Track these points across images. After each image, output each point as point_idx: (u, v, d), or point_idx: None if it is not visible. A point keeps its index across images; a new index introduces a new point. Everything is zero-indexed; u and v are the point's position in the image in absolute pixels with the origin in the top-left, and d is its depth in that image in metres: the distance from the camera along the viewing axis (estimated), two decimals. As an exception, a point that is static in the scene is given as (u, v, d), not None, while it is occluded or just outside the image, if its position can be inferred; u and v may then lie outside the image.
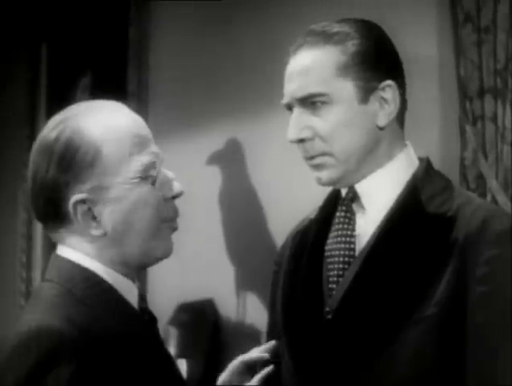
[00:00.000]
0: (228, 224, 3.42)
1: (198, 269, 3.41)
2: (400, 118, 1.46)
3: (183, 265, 3.46)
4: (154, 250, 1.34)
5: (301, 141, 1.42)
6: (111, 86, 3.66)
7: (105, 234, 1.29)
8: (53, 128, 1.31)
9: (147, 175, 1.32)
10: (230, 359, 1.52)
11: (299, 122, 1.42)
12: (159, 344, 1.38)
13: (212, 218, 3.43)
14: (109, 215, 1.29)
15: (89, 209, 1.28)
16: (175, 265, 3.49)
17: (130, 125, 1.33)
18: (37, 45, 4.14)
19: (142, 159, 1.31)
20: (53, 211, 1.29)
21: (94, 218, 1.29)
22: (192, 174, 3.48)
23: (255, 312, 3.21)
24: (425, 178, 1.44)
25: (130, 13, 3.73)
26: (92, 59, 3.89)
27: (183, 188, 1.36)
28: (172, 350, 3.27)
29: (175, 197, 1.36)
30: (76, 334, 1.19)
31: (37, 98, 4.11)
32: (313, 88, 1.40)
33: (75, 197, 1.27)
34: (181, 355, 3.27)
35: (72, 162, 1.27)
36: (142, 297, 1.37)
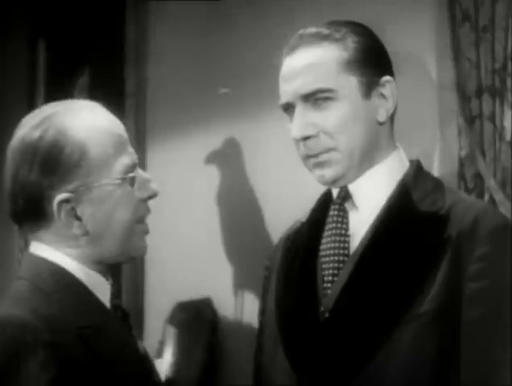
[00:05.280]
0: (226, 223, 3.42)
1: (196, 268, 3.41)
2: (392, 118, 1.48)
3: (181, 264, 3.46)
4: (130, 250, 1.36)
5: (306, 138, 1.42)
6: (109, 85, 3.66)
7: (86, 233, 1.31)
8: (34, 127, 1.30)
9: (128, 176, 1.33)
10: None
11: (303, 119, 1.42)
12: (130, 340, 1.38)
13: (210, 217, 3.43)
14: (91, 214, 1.31)
15: (73, 208, 1.30)
16: (172, 264, 3.49)
17: (111, 126, 1.35)
18: (34, 45, 4.14)
19: (124, 160, 1.33)
20: (34, 210, 1.30)
21: (77, 217, 1.30)
22: (190, 173, 3.48)
23: (253, 311, 3.20)
24: (416, 178, 1.46)
25: (127, 12, 3.73)
26: (89, 59, 3.88)
27: (159, 189, 1.38)
28: (170, 348, 3.27)
29: (150, 198, 1.37)
30: (39, 324, 1.20)
31: (35, 98, 4.10)
32: (320, 84, 1.41)
33: (60, 196, 1.28)
34: (179, 353, 3.27)
35: (57, 161, 1.28)
36: (116, 295, 1.38)
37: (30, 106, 4.07)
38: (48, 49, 4.11)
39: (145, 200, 1.37)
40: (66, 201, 1.29)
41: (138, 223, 1.36)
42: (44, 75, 4.13)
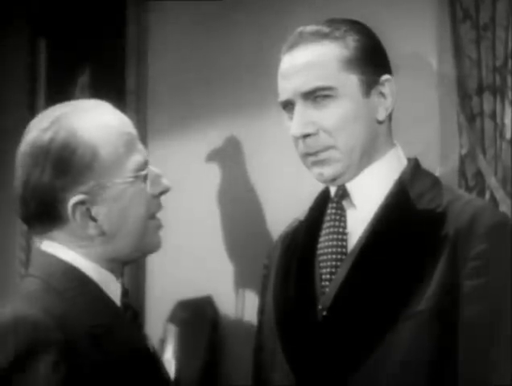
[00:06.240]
0: (227, 221, 3.42)
1: (197, 266, 3.41)
2: (390, 116, 1.48)
3: (181, 262, 3.46)
4: (144, 246, 1.37)
5: (305, 136, 1.42)
6: (110, 84, 3.66)
7: (102, 233, 1.30)
8: (44, 129, 1.30)
9: (140, 174, 1.33)
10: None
11: (303, 117, 1.42)
12: (140, 339, 1.38)
13: (210, 215, 3.43)
14: (106, 214, 1.31)
15: (87, 209, 1.29)
16: (173, 262, 3.49)
17: (120, 124, 1.36)
18: (35, 44, 4.14)
19: (136, 158, 1.33)
20: (47, 212, 1.30)
21: (92, 218, 1.30)
22: (191, 171, 3.48)
23: (254, 309, 3.20)
24: (414, 176, 1.45)
25: (128, 11, 3.73)
26: (90, 57, 3.88)
27: (171, 184, 1.38)
28: (171, 347, 3.27)
29: (162, 193, 1.37)
30: (52, 323, 1.20)
31: (35, 97, 4.10)
32: (320, 82, 1.41)
33: (74, 199, 1.28)
34: (180, 352, 3.27)
35: (69, 163, 1.28)
36: (126, 293, 1.38)
37: (31, 106, 4.07)
38: (49, 48, 4.11)
39: (157, 196, 1.37)
40: (81, 203, 1.28)
41: (151, 219, 1.36)
42: (45, 74, 4.12)
